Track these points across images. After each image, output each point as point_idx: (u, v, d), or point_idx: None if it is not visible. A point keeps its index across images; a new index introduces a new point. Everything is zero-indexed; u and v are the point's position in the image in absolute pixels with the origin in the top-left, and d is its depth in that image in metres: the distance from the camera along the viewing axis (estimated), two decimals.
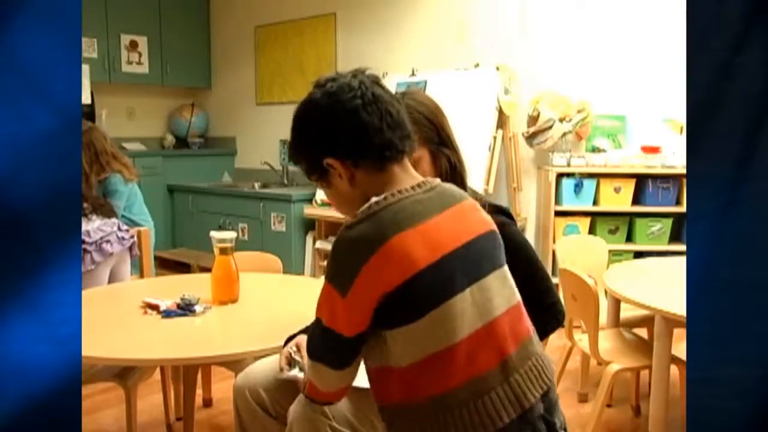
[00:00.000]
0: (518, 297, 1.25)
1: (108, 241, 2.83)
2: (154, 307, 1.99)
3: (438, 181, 1.26)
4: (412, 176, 1.25)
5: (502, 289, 1.21)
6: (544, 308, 1.54)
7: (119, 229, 2.93)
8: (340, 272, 1.13)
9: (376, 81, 1.24)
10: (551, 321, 1.55)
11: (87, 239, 2.75)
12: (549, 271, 3.99)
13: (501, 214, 1.60)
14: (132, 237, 2.98)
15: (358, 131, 1.18)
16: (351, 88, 1.20)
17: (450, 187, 1.27)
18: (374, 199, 1.16)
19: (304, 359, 1.57)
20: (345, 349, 1.17)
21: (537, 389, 1.18)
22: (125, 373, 2.13)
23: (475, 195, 1.65)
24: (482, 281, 1.17)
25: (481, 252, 1.20)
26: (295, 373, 1.55)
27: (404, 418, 1.17)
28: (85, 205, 2.86)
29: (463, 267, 1.15)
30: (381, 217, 1.13)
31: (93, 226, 2.82)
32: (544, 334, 1.50)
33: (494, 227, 1.27)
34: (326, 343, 1.18)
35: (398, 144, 1.21)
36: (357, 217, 1.14)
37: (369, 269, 1.09)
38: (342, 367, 1.20)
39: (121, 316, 2.05)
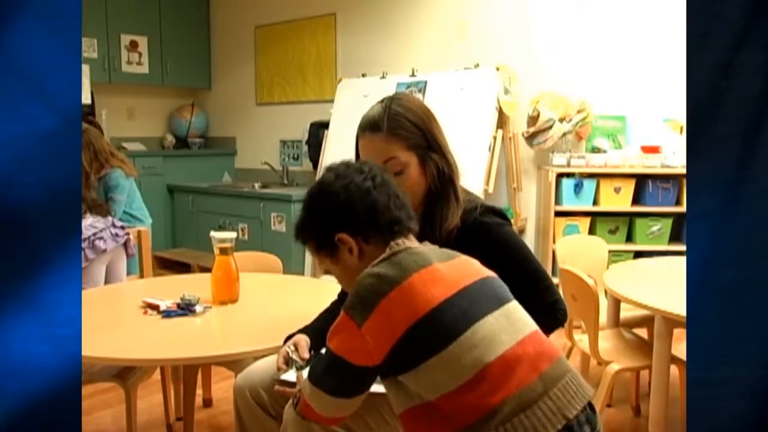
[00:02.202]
0: (535, 326, 1.28)
1: (101, 238, 2.84)
2: (154, 307, 1.99)
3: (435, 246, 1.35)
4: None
5: (522, 315, 1.26)
6: (545, 307, 1.53)
7: (113, 225, 2.93)
8: (360, 303, 1.17)
9: (383, 170, 1.38)
10: (553, 320, 1.55)
11: None
12: (549, 271, 3.99)
13: (494, 215, 1.60)
14: (126, 234, 2.98)
15: (369, 208, 1.29)
16: (362, 171, 1.33)
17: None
18: (392, 243, 1.27)
19: (302, 352, 1.57)
20: (348, 377, 1.20)
21: (578, 402, 1.18)
22: (125, 373, 2.13)
23: (469, 196, 1.65)
24: (503, 308, 1.23)
25: (494, 287, 1.27)
26: (292, 374, 1.55)
27: None
28: (84, 211, 2.86)
29: (481, 297, 1.22)
30: (402, 258, 1.22)
31: (85, 223, 2.82)
32: (546, 333, 1.50)
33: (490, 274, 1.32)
34: (330, 369, 1.21)
35: (405, 221, 1.32)
36: (379, 258, 1.24)
37: (388, 302, 1.15)
38: (338, 395, 1.23)
39: (121, 316, 2.05)
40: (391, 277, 1.18)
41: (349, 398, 1.24)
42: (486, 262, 1.33)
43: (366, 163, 1.37)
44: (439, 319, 1.15)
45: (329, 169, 1.36)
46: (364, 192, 1.31)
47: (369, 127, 1.58)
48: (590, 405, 1.21)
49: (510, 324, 1.21)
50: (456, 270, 1.25)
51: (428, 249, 1.30)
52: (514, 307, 1.26)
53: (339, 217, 1.31)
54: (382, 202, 1.31)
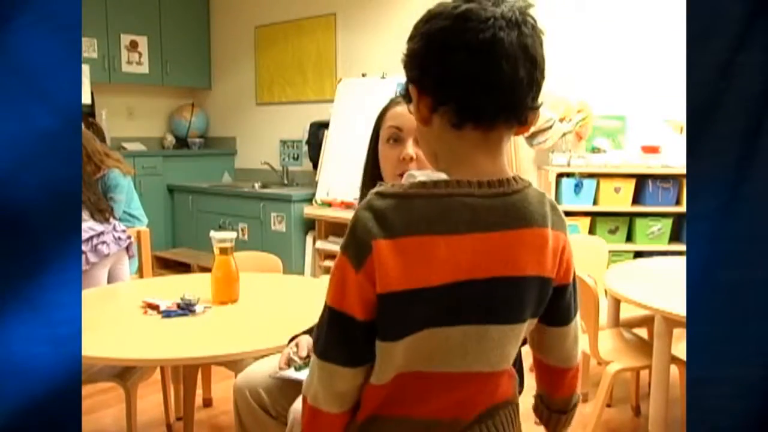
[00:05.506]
0: (511, 360, 1.07)
1: (104, 242, 2.83)
2: (154, 307, 1.99)
3: (524, 183, 1.00)
4: (491, 164, 0.98)
5: (506, 346, 1.02)
6: None
7: (115, 229, 2.92)
8: (357, 243, 0.93)
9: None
10: None
11: None
12: None
13: None
14: (129, 237, 2.98)
15: (450, 65, 0.94)
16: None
17: (530, 203, 0.98)
18: (425, 177, 0.97)
19: (301, 351, 1.57)
20: (357, 338, 0.96)
21: None
22: (125, 373, 2.13)
23: None
24: (487, 328, 0.98)
25: (506, 297, 0.98)
26: (290, 372, 1.55)
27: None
28: (84, 214, 2.84)
29: (470, 303, 0.96)
30: (416, 206, 0.93)
31: (84, 226, 2.81)
32: None
33: (552, 275, 1.02)
34: (334, 332, 0.97)
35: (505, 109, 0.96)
36: (395, 188, 0.95)
37: (381, 251, 0.91)
38: (354, 364, 0.97)
39: (121, 316, 2.05)
40: (391, 223, 0.92)
41: (363, 365, 0.98)
42: None
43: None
44: (409, 306, 0.93)
45: None
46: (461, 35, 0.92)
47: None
48: None
49: (479, 351, 0.99)
50: (484, 250, 0.95)
51: (469, 204, 0.95)
52: (508, 332, 1.01)
53: (410, 56, 0.99)
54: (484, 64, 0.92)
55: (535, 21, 0.97)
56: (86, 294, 2.27)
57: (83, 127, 3.80)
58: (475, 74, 0.92)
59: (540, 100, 0.99)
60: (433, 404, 1.00)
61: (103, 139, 4.10)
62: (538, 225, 0.98)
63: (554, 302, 1.06)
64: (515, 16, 0.94)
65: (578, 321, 1.16)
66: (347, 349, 0.97)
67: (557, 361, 1.18)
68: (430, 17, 0.98)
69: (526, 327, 1.04)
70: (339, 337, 0.97)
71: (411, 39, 1.00)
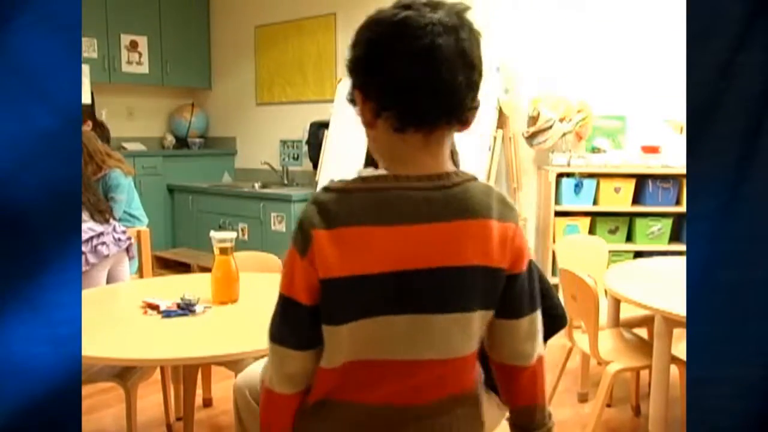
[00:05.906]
0: (472, 349, 1.09)
1: (104, 243, 2.82)
2: (154, 307, 1.99)
3: (466, 177, 1.06)
4: (432, 162, 1.04)
5: (454, 335, 1.04)
6: (544, 311, 1.53)
7: (114, 230, 2.92)
8: (302, 233, 0.99)
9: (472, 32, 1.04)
10: (552, 323, 1.55)
11: None
12: (549, 271, 3.99)
13: None
14: (129, 238, 2.98)
15: (388, 71, 1.00)
16: (434, 7, 1.00)
17: (471, 196, 1.04)
18: (366, 172, 1.03)
19: None
20: (304, 322, 1.02)
21: None
22: (125, 373, 2.13)
23: None
24: (432, 317, 1.01)
25: (450, 287, 1.02)
26: None
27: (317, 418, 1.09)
28: (84, 215, 2.83)
29: (413, 292, 1.00)
30: (355, 199, 0.99)
31: (84, 227, 2.80)
32: (546, 336, 1.49)
33: (501, 265, 1.05)
34: (286, 317, 1.05)
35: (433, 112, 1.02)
36: (338, 183, 1.01)
37: (320, 240, 0.97)
38: (302, 347, 1.04)
39: (121, 316, 2.05)
40: (331, 215, 0.97)
41: (311, 349, 1.04)
42: None
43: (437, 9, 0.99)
44: (349, 293, 0.98)
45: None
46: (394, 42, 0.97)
47: None
48: None
49: (424, 339, 1.02)
50: (425, 240, 0.99)
51: (409, 198, 1.00)
52: (457, 321, 1.03)
53: (353, 63, 1.04)
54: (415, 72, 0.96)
55: (471, 24, 1.02)
56: (86, 294, 2.27)
57: (91, 126, 3.80)
58: (415, 80, 0.97)
59: (478, 99, 1.05)
60: (383, 390, 1.04)
61: (108, 140, 4.11)
62: (482, 216, 1.03)
63: (503, 292, 1.07)
64: (452, 21, 0.99)
65: (535, 320, 1.14)
66: (296, 332, 1.03)
67: (508, 358, 1.15)
68: (370, 24, 1.01)
69: (478, 318, 1.05)
70: (288, 321, 1.04)
71: (354, 46, 1.04)
